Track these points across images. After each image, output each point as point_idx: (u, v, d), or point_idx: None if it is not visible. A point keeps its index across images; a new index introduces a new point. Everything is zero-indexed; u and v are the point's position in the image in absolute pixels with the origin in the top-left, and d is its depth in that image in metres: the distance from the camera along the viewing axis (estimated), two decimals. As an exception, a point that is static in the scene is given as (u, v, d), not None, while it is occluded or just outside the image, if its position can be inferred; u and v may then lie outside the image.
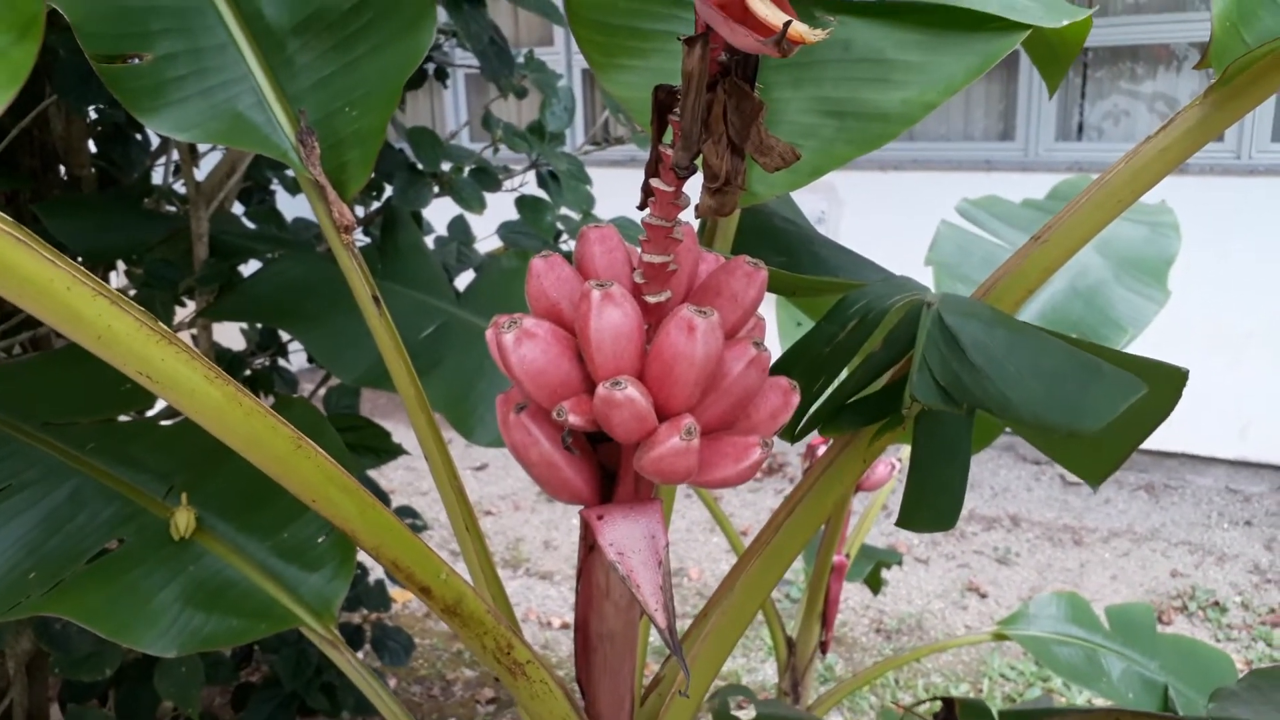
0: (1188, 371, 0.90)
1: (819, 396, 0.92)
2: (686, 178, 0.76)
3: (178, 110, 1.01)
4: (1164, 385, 0.91)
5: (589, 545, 0.92)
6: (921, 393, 0.83)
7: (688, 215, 0.83)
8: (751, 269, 0.83)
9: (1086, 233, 0.94)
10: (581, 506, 0.86)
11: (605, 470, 0.90)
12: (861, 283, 0.96)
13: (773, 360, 0.85)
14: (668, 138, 0.77)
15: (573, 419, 0.79)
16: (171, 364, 0.63)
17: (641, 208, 0.80)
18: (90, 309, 0.59)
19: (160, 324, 0.62)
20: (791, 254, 1.04)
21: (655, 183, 0.77)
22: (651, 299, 0.81)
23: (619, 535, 0.81)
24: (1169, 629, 3.82)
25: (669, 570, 0.79)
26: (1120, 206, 0.92)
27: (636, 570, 0.78)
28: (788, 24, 0.58)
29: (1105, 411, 0.80)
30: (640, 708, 1.04)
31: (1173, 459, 5.14)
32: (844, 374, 0.92)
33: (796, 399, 0.85)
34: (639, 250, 0.82)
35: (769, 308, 1.40)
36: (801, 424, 0.93)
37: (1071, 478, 5.13)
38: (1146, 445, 5.23)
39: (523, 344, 0.79)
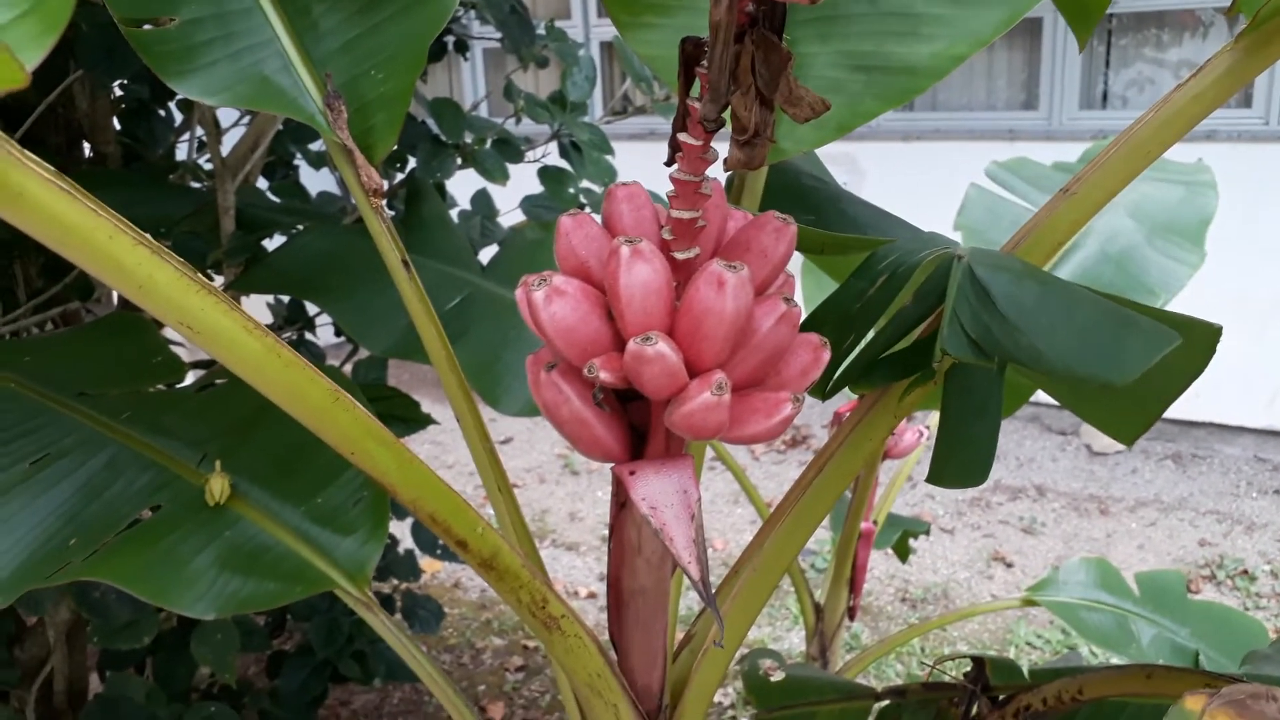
0: (1221, 328, 0.89)
1: (849, 353, 0.92)
2: (714, 131, 0.76)
3: (205, 74, 1.02)
4: (1196, 342, 0.90)
5: (620, 503, 0.92)
6: (953, 346, 0.82)
7: (715, 171, 0.83)
8: (781, 224, 0.83)
9: (1116, 185, 0.93)
10: (612, 465, 0.87)
11: (635, 429, 0.90)
12: (891, 239, 0.95)
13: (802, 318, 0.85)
14: (695, 91, 0.76)
15: (604, 375, 0.79)
16: (212, 314, 0.64)
17: (669, 163, 0.80)
18: (131, 258, 0.59)
19: (199, 275, 0.63)
20: (819, 212, 1.04)
21: (683, 137, 0.77)
22: (680, 255, 0.81)
23: (651, 490, 0.81)
24: (1197, 598, 3.80)
25: (701, 524, 0.80)
26: (1150, 157, 0.91)
27: (669, 524, 0.79)
28: (818, -32, 0.58)
29: (1139, 362, 0.80)
30: (672, 664, 1.05)
31: (1200, 428, 5.10)
32: (874, 330, 0.92)
33: (827, 355, 0.85)
34: (666, 208, 0.82)
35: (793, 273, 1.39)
36: (832, 381, 0.93)
37: (1097, 448, 5.10)
38: (1173, 414, 5.20)
39: (553, 301, 0.80)
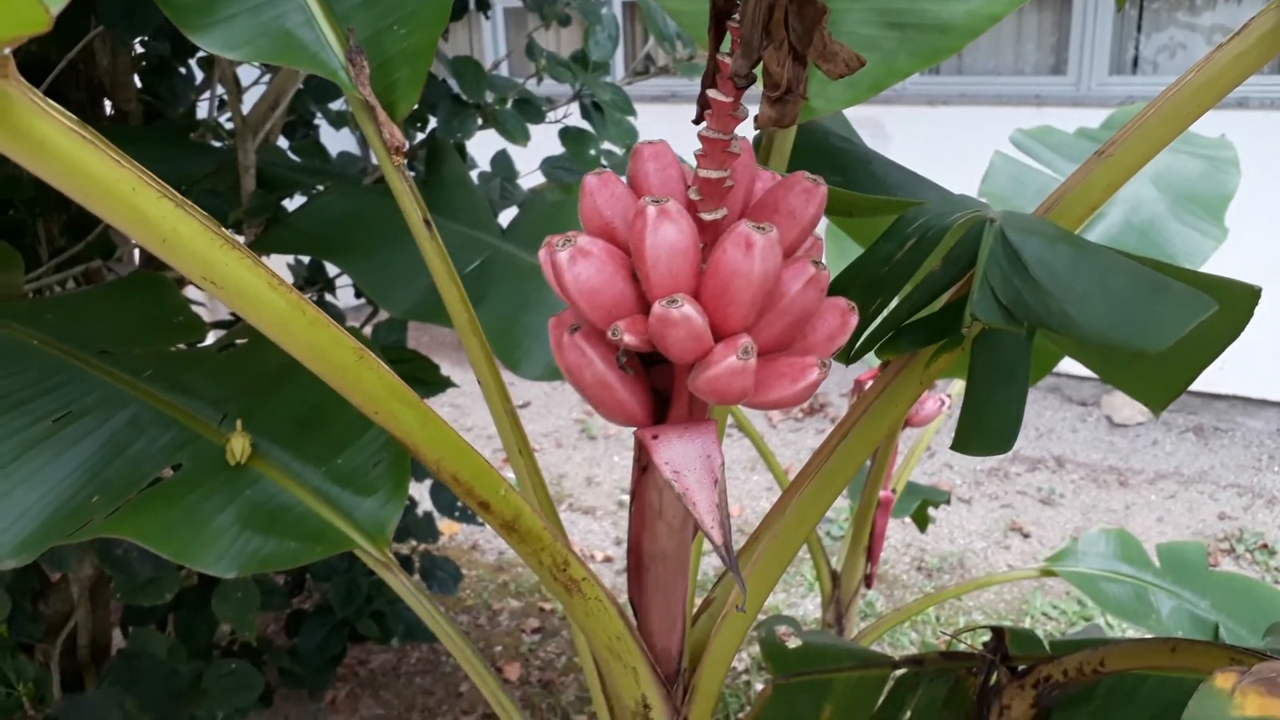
0: (1260, 289, 0.87)
1: (876, 317, 0.91)
2: (745, 87, 0.74)
3: (227, 27, 1.01)
4: (1234, 304, 0.88)
5: (643, 466, 0.92)
6: (983, 311, 0.81)
7: (745, 130, 0.81)
8: (810, 185, 0.81)
9: (1153, 148, 0.90)
10: (634, 430, 0.86)
11: (658, 393, 0.89)
12: (920, 201, 0.94)
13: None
14: (726, 47, 0.74)
15: (628, 338, 0.78)
16: (236, 269, 0.63)
17: (697, 121, 0.79)
18: (156, 210, 0.58)
19: (223, 229, 0.62)
20: (848, 173, 1.02)
21: (712, 93, 0.75)
22: (707, 216, 0.80)
23: (674, 454, 0.80)
24: (1217, 571, 3.78)
25: (724, 488, 0.79)
26: (1189, 119, 0.89)
27: (692, 488, 0.78)
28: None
29: (1174, 329, 0.78)
30: (691, 628, 1.05)
31: (1223, 401, 5.05)
32: (901, 294, 0.91)
33: (854, 320, 0.83)
34: (694, 168, 0.80)
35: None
36: (858, 345, 0.92)
37: (1118, 419, 5.06)
38: (1196, 387, 5.15)
39: (577, 262, 0.78)
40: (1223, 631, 1.95)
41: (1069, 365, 5.36)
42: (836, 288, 0.93)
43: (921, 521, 2.69)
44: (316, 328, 0.68)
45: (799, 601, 3.70)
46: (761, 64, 0.71)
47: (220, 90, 2.28)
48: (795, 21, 0.70)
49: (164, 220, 0.59)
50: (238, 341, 1.61)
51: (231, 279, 0.63)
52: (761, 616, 3.06)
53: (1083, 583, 2.13)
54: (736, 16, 0.71)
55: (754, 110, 0.76)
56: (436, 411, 0.82)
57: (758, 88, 0.75)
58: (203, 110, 2.41)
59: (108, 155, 0.56)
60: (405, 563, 2.77)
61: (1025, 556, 3.98)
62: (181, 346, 1.61)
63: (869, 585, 2.34)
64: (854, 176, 1.03)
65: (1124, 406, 5.09)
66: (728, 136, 0.76)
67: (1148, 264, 0.86)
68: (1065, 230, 0.88)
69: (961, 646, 1.47)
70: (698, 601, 1.13)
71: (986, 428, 0.94)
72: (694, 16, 0.97)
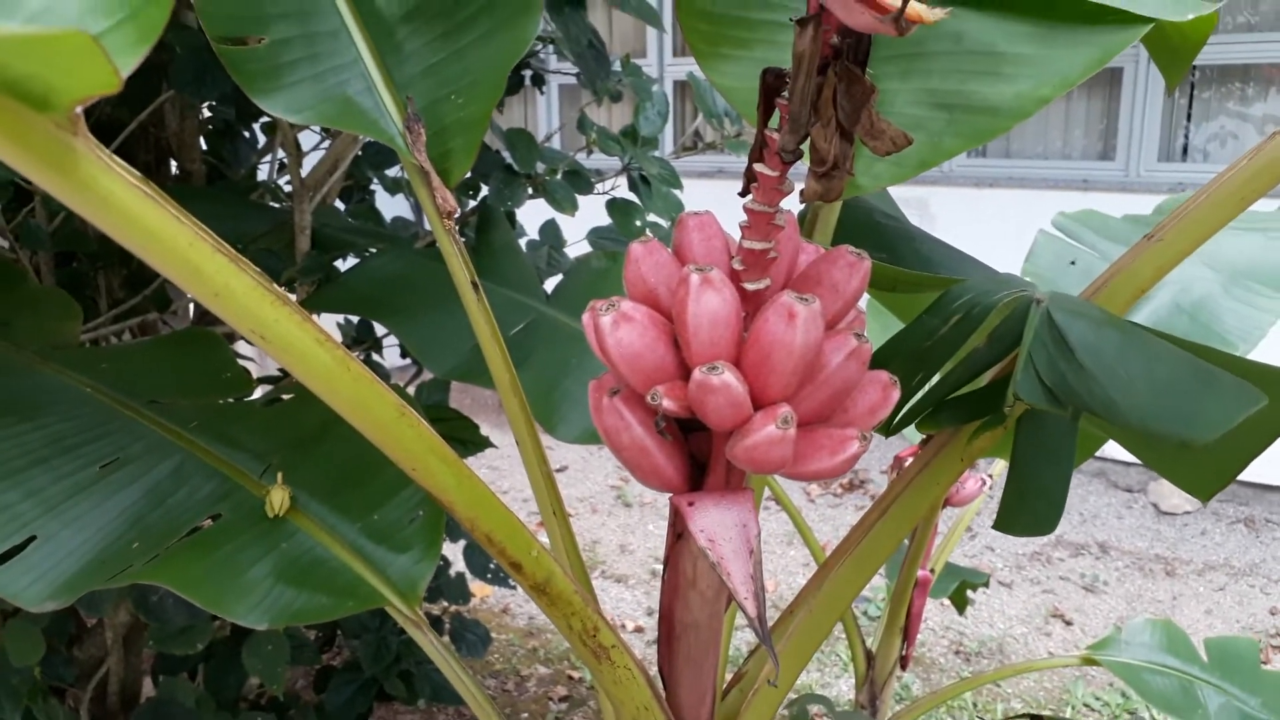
0: (1311, 381, 0.85)
1: (917, 391, 0.90)
2: (792, 162, 0.75)
3: (291, 93, 1.04)
4: (1283, 395, 0.86)
5: (677, 534, 0.91)
6: (1025, 392, 0.80)
7: (790, 204, 0.82)
8: (854, 259, 0.82)
9: (1204, 233, 0.90)
10: (670, 496, 0.86)
11: (696, 460, 0.89)
12: (965, 279, 0.94)
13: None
14: (774, 123, 0.76)
15: (667, 404, 0.79)
16: (285, 325, 0.65)
17: (744, 193, 0.80)
18: (210, 265, 0.60)
19: (274, 285, 0.64)
20: (893, 250, 1.03)
21: (759, 167, 0.77)
22: (750, 286, 0.81)
23: (710, 522, 0.80)
24: (1268, 669, 3.64)
25: (760, 560, 0.78)
26: (1243, 204, 0.88)
27: (727, 558, 0.78)
28: (906, 1, 0.57)
29: (1220, 422, 0.77)
30: (721, 702, 1.03)
31: (1275, 492, 4.92)
32: (944, 370, 0.90)
33: (896, 394, 0.83)
34: (739, 238, 0.81)
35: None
36: (899, 418, 0.91)
37: (1165, 507, 4.94)
38: (1247, 477, 5.01)
39: (620, 327, 0.79)
40: (1275, 733, 1.88)
41: (1115, 450, 5.26)
42: (879, 360, 0.93)
43: (960, 604, 2.63)
44: (360, 383, 0.69)
45: (832, 681, 3.61)
46: (809, 140, 0.73)
47: (281, 154, 2.36)
48: (844, 100, 0.71)
49: (217, 275, 0.61)
50: (283, 396, 1.64)
51: (280, 334, 0.65)
52: (793, 695, 2.99)
53: (1126, 673, 2.06)
54: (786, 94, 0.72)
55: (800, 185, 0.77)
56: (473, 472, 0.82)
57: (804, 164, 0.76)
58: (263, 173, 2.49)
59: (167, 211, 0.59)
60: (436, 623, 2.75)
61: (1067, 644, 3.86)
62: (229, 400, 1.64)
63: (904, 667, 2.28)
64: (899, 253, 1.03)
65: (1172, 494, 4.97)
66: (773, 209, 0.77)
67: (1199, 352, 0.85)
68: (1113, 314, 0.87)
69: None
70: (728, 676, 1.11)
71: (1029, 509, 0.93)
72: (744, 94, 0.99)
